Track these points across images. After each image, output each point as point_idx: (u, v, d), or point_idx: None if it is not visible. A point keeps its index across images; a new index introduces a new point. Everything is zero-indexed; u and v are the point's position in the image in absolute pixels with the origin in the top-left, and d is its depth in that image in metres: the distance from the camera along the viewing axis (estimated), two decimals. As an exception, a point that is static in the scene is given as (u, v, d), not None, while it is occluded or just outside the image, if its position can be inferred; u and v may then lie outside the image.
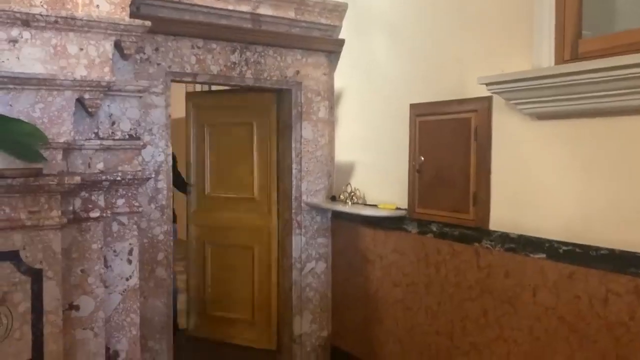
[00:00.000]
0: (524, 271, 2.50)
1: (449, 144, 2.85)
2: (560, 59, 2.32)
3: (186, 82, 3.38)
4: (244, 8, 3.35)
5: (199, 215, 4.21)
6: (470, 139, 2.72)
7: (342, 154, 3.81)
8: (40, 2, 2.49)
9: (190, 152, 4.17)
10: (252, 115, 3.95)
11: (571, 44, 2.29)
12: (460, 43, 2.83)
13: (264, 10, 3.43)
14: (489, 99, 2.62)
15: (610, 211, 2.18)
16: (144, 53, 3.13)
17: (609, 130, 2.18)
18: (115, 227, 2.54)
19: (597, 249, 2.21)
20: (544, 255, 2.41)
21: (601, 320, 2.21)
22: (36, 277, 2.16)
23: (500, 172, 2.62)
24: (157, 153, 3.15)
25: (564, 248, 2.33)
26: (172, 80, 3.25)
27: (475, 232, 2.73)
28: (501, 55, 2.58)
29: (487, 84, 2.44)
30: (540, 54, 2.37)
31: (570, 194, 2.32)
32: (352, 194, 3.54)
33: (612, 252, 2.16)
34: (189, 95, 4.32)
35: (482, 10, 2.71)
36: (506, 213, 2.59)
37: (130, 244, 2.58)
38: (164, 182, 3.20)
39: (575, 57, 2.27)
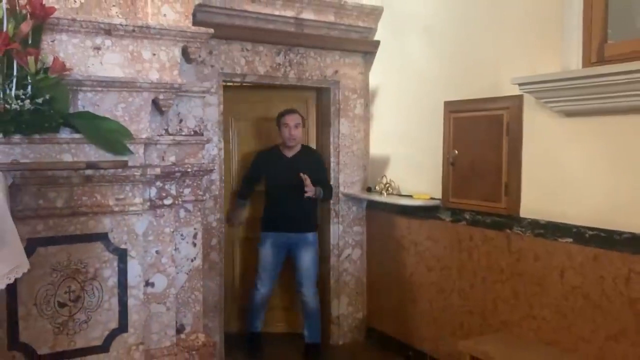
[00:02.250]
0: (552, 254, 2.75)
1: (482, 138, 3.09)
2: (587, 62, 2.55)
3: (236, 82, 3.65)
4: (289, 13, 3.62)
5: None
6: (503, 134, 2.96)
7: (376, 148, 4.07)
8: (116, 12, 2.80)
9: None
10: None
11: (598, 48, 2.52)
12: (493, 44, 3.07)
13: (307, 14, 3.69)
14: (520, 97, 2.86)
15: (632, 199, 2.41)
16: (200, 56, 3.41)
17: (633, 127, 2.41)
18: (182, 213, 2.84)
19: (621, 233, 2.45)
20: (571, 240, 2.66)
21: (623, 298, 2.45)
22: (122, 256, 2.47)
23: (531, 164, 2.86)
24: (211, 147, 3.44)
25: (590, 233, 2.57)
26: (224, 81, 3.54)
27: (506, 220, 2.97)
28: (532, 56, 2.81)
29: (519, 84, 2.69)
30: (569, 56, 2.61)
31: (595, 184, 2.56)
32: (388, 185, 3.80)
33: (634, 235, 2.39)
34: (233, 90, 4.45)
35: (515, 13, 2.94)
36: (536, 201, 2.84)
37: (195, 228, 2.89)
38: (217, 174, 3.49)
39: (602, 60, 2.50)
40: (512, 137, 2.91)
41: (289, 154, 3.76)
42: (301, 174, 3.54)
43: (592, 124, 2.57)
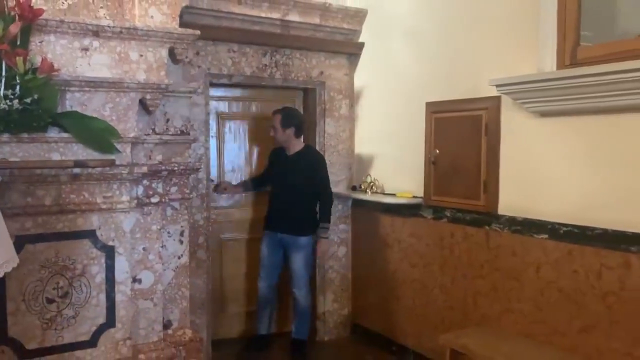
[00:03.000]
0: (528, 250, 2.84)
1: (462, 138, 3.18)
2: (561, 64, 2.64)
3: (222, 83, 3.71)
4: (275, 15, 3.69)
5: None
6: (481, 134, 3.05)
7: (361, 147, 4.15)
8: (104, 14, 2.85)
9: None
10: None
11: (571, 51, 2.62)
12: (472, 47, 3.16)
13: (292, 16, 3.76)
14: (498, 98, 2.95)
15: (605, 196, 2.51)
16: (187, 57, 3.45)
17: (605, 126, 2.51)
18: (169, 211, 2.90)
19: (593, 229, 2.54)
20: (546, 236, 2.75)
21: (596, 292, 2.55)
22: (109, 253, 2.53)
23: (508, 163, 2.95)
24: (197, 147, 3.49)
25: (564, 229, 2.66)
26: (211, 82, 3.59)
27: (485, 217, 3.07)
28: (510, 59, 2.90)
29: (496, 85, 2.78)
30: (544, 59, 2.70)
31: (569, 182, 2.66)
32: (372, 184, 3.88)
33: (605, 231, 2.49)
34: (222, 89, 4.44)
35: (493, 17, 3.03)
36: (513, 199, 2.93)
37: (181, 226, 2.95)
38: (204, 172, 3.55)
39: (575, 63, 2.59)
40: (490, 136, 3.01)
41: (290, 152, 3.71)
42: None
43: (566, 124, 2.66)
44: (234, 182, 3.96)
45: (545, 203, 2.77)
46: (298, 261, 3.70)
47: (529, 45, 2.78)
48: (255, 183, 3.91)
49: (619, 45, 2.47)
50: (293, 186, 3.64)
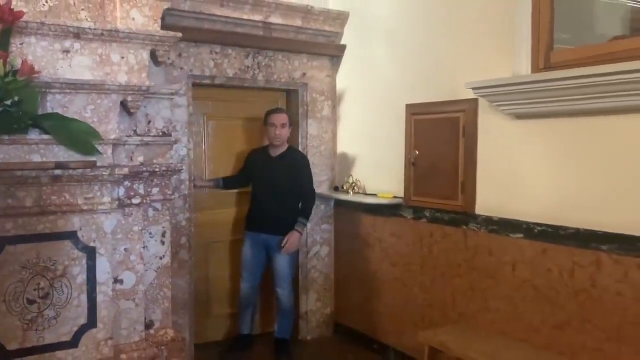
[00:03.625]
0: (505, 249, 2.91)
1: (441, 140, 3.24)
2: (536, 68, 2.71)
3: (205, 85, 3.73)
4: (257, 17, 3.72)
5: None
6: (459, 135, 3.11)
7: (344, 148, 4.19)
8: (86, 16, 2.86)
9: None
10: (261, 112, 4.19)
11: (545, 55, 2.69)
12: (451, 51, 3.22)
13: (275, 19, 3.80)
14: (475, 101, 3.01)
15: (577, 196, 2.59)
16: (169, 58, 3.48)
17: (577, 129, 2.58)
18: (151, 212, 2.92)
19: (566, 228, 2.61)
20: (521, 235, 2.82)
21: (569, 289, 2.62)
22: (91, 254, 2.55)
23: (485, 164, 3.02)
24: (180, 148, 3.51)
25: (539, 228, 2.73)
26: (193, 84, 3.61)
27: (463, 217, 3.13)
28: (487, 62, 2.97)
29: (473, 89, 2.84)
30: (519, 63, 2.76)
31: (544, 183, 2.73)
32: (354, 184, 3.93)
33: (578, 231, 2.57)
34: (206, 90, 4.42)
35: (471, 21, 3.09)
36: (490, 199, 3.00)
37: (163, 227, 2.97)
38: (187, 174, 3.57)
39: (549, 67, 2.66)
40: (468, 138, 3.07)
41: (274, 153, 3.73)
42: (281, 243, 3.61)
43: (541, 126, 2.74)
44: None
45: (520, 203, 2.84)
46: (282, 262, 3.72)
47: (505, 50, 2.84)
48: (226, 182, 3.86)
49: (592, 49, 2.55)
50: (277, 187, 3.65)
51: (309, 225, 3.92)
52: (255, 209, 3.78)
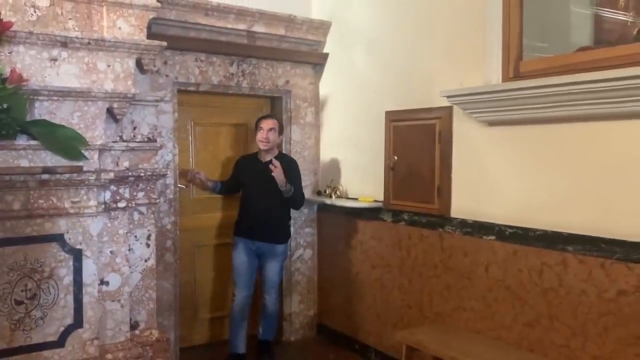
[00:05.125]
0: (478, 251, 3.03)
1: (418, 145, 3.36)
2: (506, 77, 2.83)
3: (190, 92, 3.82)
4: (241, 26, 3.83)
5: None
6: (435, 141, 3.23)
7: (326, 153, 4.30)
8: (73, 25, 2.95)
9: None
10: (246, 117, 4.27)
11: (514, 65, 2.82)
12: (427, 59, 3.35)
13: (258, 28, 3.91)
14: (450, 108, 3.13)
15: (544, 200, 2.71)
16: (155, 66, 3.55)
17: (545, 135, 2.71)
18: (136, 216, 3.00)
19: (535, 230, 2.74)
20: (494, 237, 2.94)
21: (538, 288, 2.74)
22: (77, 256, 2.62)
23: (460, 168, 3.14)
24: (166, 153, 3.60)
25: (510, 230, 2.85)
26: (178, 90, 3.71)
27: (439, 219, 3.25)
28: (461, 71, 3.09)
29: (447, 97, 2.97)
30: (490, 72, 2.89)
31: (513, 186, 2.85)
32: (336, 188, 4.04)
33: (545, 232, 2.69)
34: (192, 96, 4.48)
35: (445, 32, 3.22)
36: (464, 202, 3.12)
37: (148, 230, 3.05)
38: (172, 178, 3.65)
39: (518, 76, 2.79)
40: (443, 144, 3.19)
41: (264, 159, 3.63)
42: (273, 161, 3.45)
43: (511, 133, 2.86)
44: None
45: (492, 206, 2.96)
46: (273, 269, 3.66)
47: (478, 59, 2.97)
48: (222, 187, 3.80)
49: (559, 59, 2.68)
50: (268, 192, 3.53)
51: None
52: (246, 215, 3.68)
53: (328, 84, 4.26)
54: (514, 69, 2.82)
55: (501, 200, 2.92)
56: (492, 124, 2.94)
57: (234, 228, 3.75)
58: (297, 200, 3.68)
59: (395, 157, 3.51)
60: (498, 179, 2.94)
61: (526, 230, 2.78)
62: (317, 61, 4.22)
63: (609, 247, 2.42)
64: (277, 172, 3.42)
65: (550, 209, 2.69)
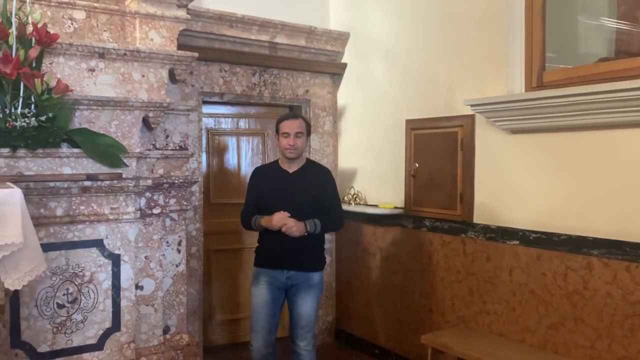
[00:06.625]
0: (501, 255, 3.11)
1: (439, 153, 3.45)
2: (529, 86, 2.93)
3: (214, 102, 3.91)
4: (264, 37, 3.93)
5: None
6: (457, 148, 3.32)
7: (345, 161, 4.39)
8: (107, 37, 3.04)
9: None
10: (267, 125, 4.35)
11: (537, 75, 2.91)
12: (448, 69, 3.44)
13: (280, 39, 4.01)
14: (472, 117, 3.23)
15: (567, 205, 2.80)
16: (184, 77, 3.65)
17: (567, 142, 2.80)
18: (168, 222, 3.07)
19: (559, 235, 2.82)
20: (517, 242, 3.02)
21: (562, 292, 2.82)
22: (115, 260, 2.68)
23: (482, 175, 3.23)
24: (191, 161, 3.67)
25: (533, 235, 2.94)
26: (203, 100, 3.79)
27: (461, 225, 3.33)
28: (483, 80, 3.19)
29: (471, 105, 3.06)
30: (513, 81, 2.99)
31: (536, 192, 2.94)
32: (355, 195, 4.12)
33: (569, 237, 2.77)
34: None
35: (467, 41, 3.32)
36: (487, 208, 3.20)
37: (179, 236, 3.12)
38: (197, 186, 3.73)
39: (541, 85, 2.89)
40: (465, 151, 3.28)
41: (291, 169, 3.01)
42: (282, 216, 2.81)
43: (534, 140, 2.95)
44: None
45: (515, 212, 3.04)
46: (308, 304, 2.94)
47: (499, 69, 3.07)
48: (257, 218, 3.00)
49: (580, 70, 2.78)
50: (297, 210, 2.85)
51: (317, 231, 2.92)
52: (270, 240, 2.94)
53: (346, 93, 4.35)
54: (537, 78, 2.91)
55: (524, 206, 3.00)
56: (514, 131, 3.03)
57: (254, 257, 3.08)
58: (336, 223, 3.08)
59: (417, 164, 3.60)
60: (521, 185, 3.02)
61: (550, 235, 2.86)
62: (335, 71, 4.32)
63: (634, 250, 2.51)
64: (294, 231, 2.80)
65: (573, 214, 2.78)
